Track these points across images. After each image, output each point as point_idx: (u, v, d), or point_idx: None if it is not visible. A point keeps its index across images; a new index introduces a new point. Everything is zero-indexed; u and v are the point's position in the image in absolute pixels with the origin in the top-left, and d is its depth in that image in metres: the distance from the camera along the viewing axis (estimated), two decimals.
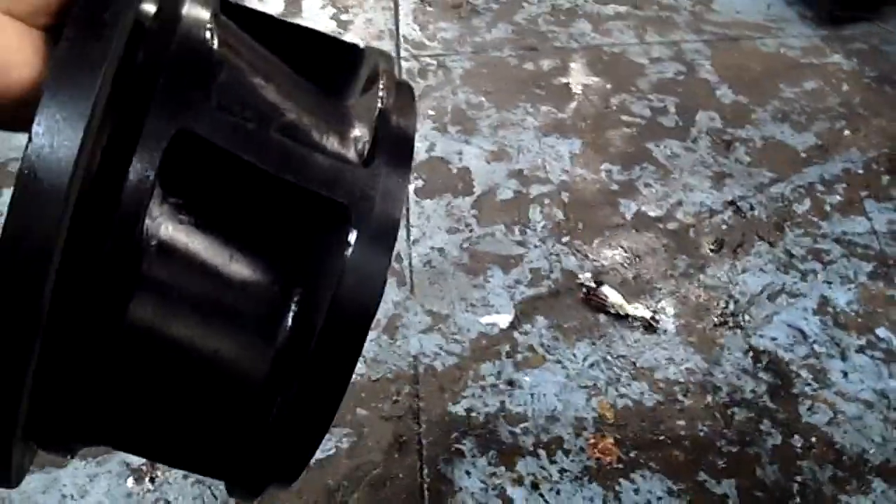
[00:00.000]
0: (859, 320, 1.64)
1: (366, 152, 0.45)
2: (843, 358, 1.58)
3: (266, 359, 0.44)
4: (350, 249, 0.42)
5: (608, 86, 2.14)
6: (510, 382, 1.52)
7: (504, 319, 1.61)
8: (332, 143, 0.44)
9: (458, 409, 1.48)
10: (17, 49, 0.40)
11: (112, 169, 0.37)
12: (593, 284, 1.65)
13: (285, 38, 0.53)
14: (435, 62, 2.20)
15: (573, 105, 2.08)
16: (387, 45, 2.25)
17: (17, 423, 0.38)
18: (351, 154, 0.44)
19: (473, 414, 1.48)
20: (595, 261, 1.72)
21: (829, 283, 1.70)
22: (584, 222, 1.80)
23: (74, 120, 0.35)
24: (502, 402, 1.49)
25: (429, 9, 2.41)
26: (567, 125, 2.03)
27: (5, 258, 0.34)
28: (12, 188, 0.34)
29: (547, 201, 1.84)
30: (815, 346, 1.59)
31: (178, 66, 0.39)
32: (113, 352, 0.40)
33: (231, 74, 0.42)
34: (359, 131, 0.47)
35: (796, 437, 1.47)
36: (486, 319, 1.61)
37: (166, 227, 0.40)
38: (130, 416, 0.45)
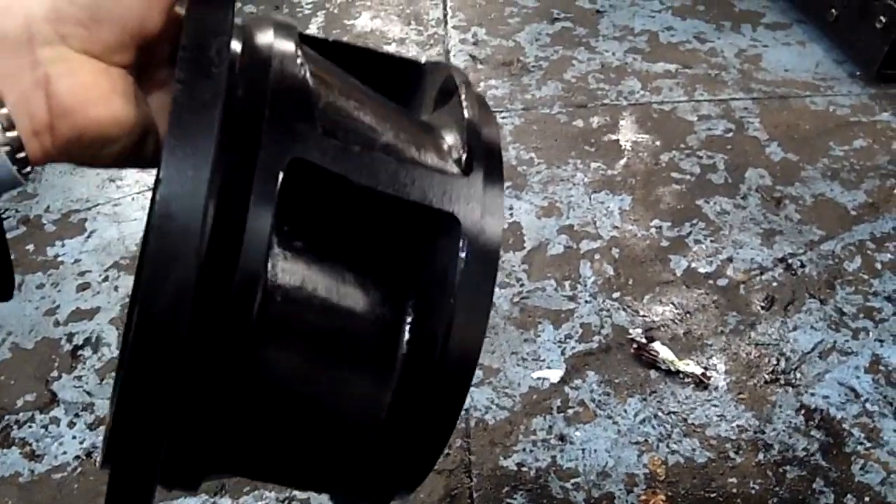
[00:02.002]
0: None
1: (463, 162, 0.47)
2: None
3: (388, 374, 0.46)
4: (463, 255, 0.44)
5: (658, 143, 2.17)
6: (561, 437, 1.53)
7: (555, 374, 1.63)
8: (431, 156, 0.46)
9: (510, 464, 1.49)
10: (94, 86, 0.42)
11: (233, 202, 0.39)
12: (644, 340, 1.66)
13: (350, 59, 0.55)
14: None
15: (623, 161, 2.11)
16: None
17: (156, 470, 0.40)
18: (449, 165, 0.46)
19: (524, 468, 1.49)
20: (646, 317, 1.73)
21: (881, 341, 1.70)
22: (635, 278, 1.81)
23: (199, 166, 0.37)
24: (553, 458, 1.50)
25: (480, 66, 2.46)
26: (617, 181, 2.05)
27: (147, 303, 0.37)
28: (147, 238, 0.36)
29: (597, 257, 1.86)
30: (867, 405, 1.59)
31: (281, 97, 0.42)
32: (243, 383, 0.42)
33: (328, 101, 0.44)
34: (451, 141, 0.49)
35: (849, 496, 1.46)
36: (537, 374, 1.63)
37: (284, 256, 0.42)
38: (263, 445, 0.47)
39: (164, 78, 0.48)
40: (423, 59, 0.58)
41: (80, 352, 1.67)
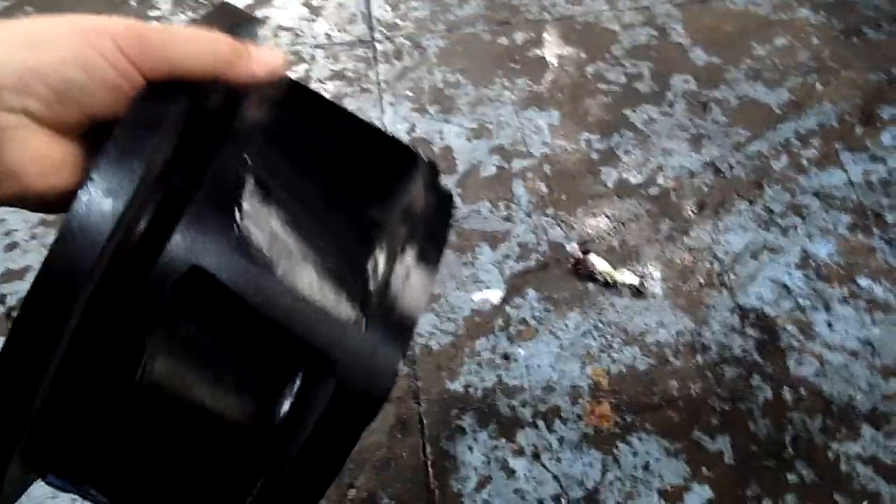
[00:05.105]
0: (841, 271, 1.68)
1: (373, 304, 0.47)
2: (827, 309, 1.62)
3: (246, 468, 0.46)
4: (328, 408, 0.45)
5: (583, 55, 2.16)
6: (505, 356, 1.55)
7: (495, 295, 1.64)
8: (340, 293, 0.46)
9: (457, 387, 1.52)
10: (45, 158, 0.43)
11: (135, 265, 0.40)
12: (580, 254, 1.68)
13: (344, 128, 0.54)
14: (409, 42, 2.22)
15: (549, 77, 2.10)
16: (360, 28, 2.26)
17: (17, 441, 0.40)
18: (355, 308, 0.46)
19: (471, 390, 1.51)
20: (581, 230, 1.75)
21: (810, 236, 1.74)
22: (568, 193, 1.83)
23: (124, 184, 0.38)
24: (499, 377, 1.53)
25: None
26: (544, 97, 2.05)
27: (40, 285, 0.37)
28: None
29: (530, 175, 1.87)
30: (800, 300, 1.63)
31: (207, 199, 0.42)
32: (121, 403, 0.43)
33: (257, 213, 0.44)
34: (380, 262, 0.48)
35: (786, 389, 1.51)
36: (477, 296, 1.64)
37: (180, 322, 0.43)
38: (129, 471, 0.47)
39: None
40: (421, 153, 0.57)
41: (14, 313, 1.64)
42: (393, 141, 0.57)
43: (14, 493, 0.46)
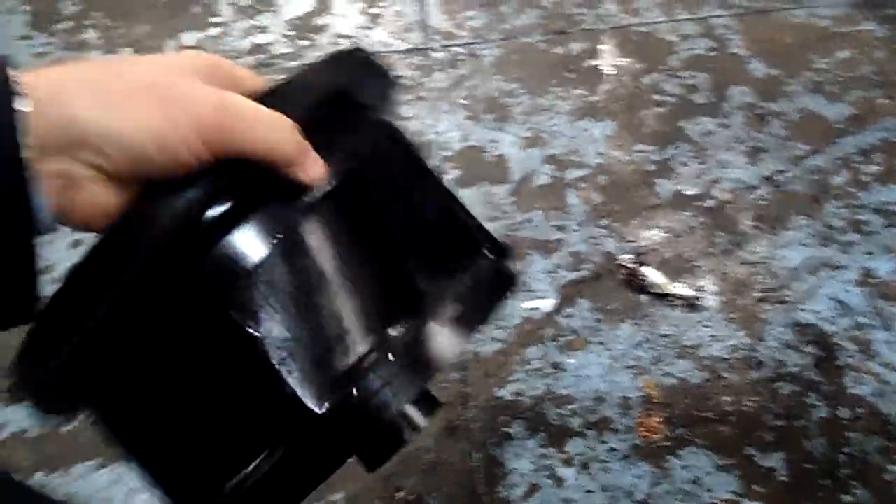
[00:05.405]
0: None
1: (393, 354, 0.47)
2: (887, 328, 1.58)
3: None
4: (275, 469, 0.47)
5: (639, 66, 2.15)
6: (555, 366, 1.54)
7: (547, 304, 1.63)
8: (331, 362, 0.47)
9: (506, 394, 1.51)
10: (105, 205, 0.47)
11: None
12: (634, 265, 1.67)
13: (427, 196, 0.54)
14: (465, 51, 2.22)
15: (605, 87, 2.09)
16: (417, 37, 2.27)
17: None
18: (325, 395, 0.46)
19: (521, 398, 1.50)
20: (634, 242, 1.74)
21: (870, 253, 1.70)
22: (622, 204, 1.81)
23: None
24: (548, 386, 1.52)
25: None
26: (599, 107, 2.04)
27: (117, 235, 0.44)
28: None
29: (583, 185, 1.85)
30: (859, 318, 1.60)
31: (231, 247, 0.46)
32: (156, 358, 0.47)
33: (271, 283, 0.46)
34: (406, 328, 0.48)
35: (842, 408, 1.48)
36: (529, 304, 1.64)
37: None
38: (147, 418, 0.51)
39: None
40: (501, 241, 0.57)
41: None
42: (469, 224, 0.56)
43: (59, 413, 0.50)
